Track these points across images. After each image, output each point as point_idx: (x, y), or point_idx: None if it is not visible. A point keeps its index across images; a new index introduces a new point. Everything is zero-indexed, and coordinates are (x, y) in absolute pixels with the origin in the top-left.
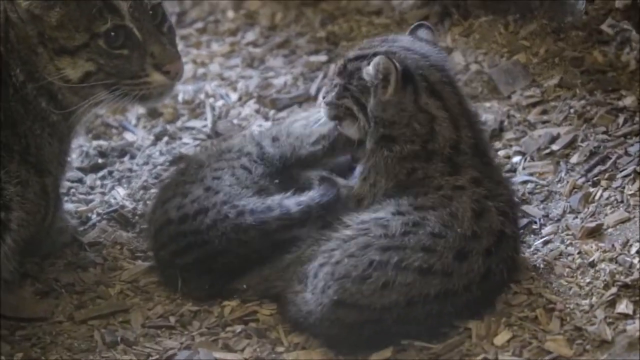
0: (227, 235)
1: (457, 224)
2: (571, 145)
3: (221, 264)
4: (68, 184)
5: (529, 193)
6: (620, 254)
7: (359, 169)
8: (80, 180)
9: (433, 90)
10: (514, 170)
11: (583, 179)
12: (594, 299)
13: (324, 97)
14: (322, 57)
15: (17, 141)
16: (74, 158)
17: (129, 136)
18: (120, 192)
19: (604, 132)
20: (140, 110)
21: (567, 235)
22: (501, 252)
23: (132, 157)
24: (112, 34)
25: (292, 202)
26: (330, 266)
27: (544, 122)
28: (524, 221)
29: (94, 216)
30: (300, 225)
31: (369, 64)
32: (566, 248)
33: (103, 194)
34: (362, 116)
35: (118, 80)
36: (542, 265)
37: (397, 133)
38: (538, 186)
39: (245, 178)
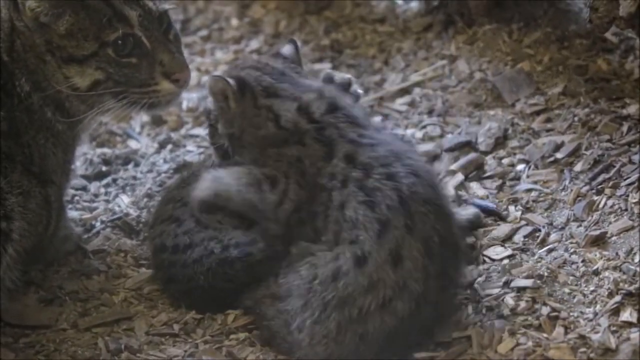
0: (212, 270)
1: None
2: (575, 153)
3: (210, 296)
4: (72, 191)
5: (533, 201)
6: (624, 262)
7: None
8: (84, 188)
9: (268, 93)
10: (518, 178)
11: (587, 187)
12: (597, 307)
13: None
14: (327, 65)
15: (20, 151)
16: (78, 166)
17: (133, 144)
18: (124, 199)
19: (608, 140)
20: (145, 117)
21: (571, 243)
22: None
23: (136, 164)
24: (120, 42)
25: None
26: (309, 327)
27: (548, 130)
28: (529, 229)
29: (98, 224)
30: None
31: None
32: (570, 256)
33: (107, 201)
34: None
35: (126, 89)
36: (546, 274)
37: (248, 137)
38: (542, 194)
39: None
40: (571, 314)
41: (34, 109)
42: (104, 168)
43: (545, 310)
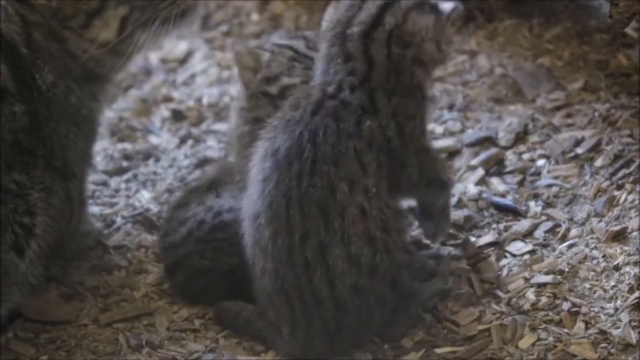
0: (202, 242)
1: None
2: (596, 148)
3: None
4: (92, 187)
5: (554, 196)
6: None
7: None
8: (104, 183)
9: None
10: (538, 173)
11: (607, 183)
12: (618, 302)
13: None
14: None
15: (41, 145)
16: (99, 161)
17: (153, 139)
18: (145, 195)
19: (628, 135)
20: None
21: (592, 238)
22: None
23: (157, 160)
24: None
25: None
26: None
27: (568, 126)
28: (549, 224)
29: (118, 219)
30: None
31: None
32: (591, 251)
33: (128, 197)
34: None
35: (154, 10)
36: (566, 269)
37: None
38: (562, 189)
39: None
40: (592, 309)
41: (57, 99)
42: (124, 163)
43: (566, 306)
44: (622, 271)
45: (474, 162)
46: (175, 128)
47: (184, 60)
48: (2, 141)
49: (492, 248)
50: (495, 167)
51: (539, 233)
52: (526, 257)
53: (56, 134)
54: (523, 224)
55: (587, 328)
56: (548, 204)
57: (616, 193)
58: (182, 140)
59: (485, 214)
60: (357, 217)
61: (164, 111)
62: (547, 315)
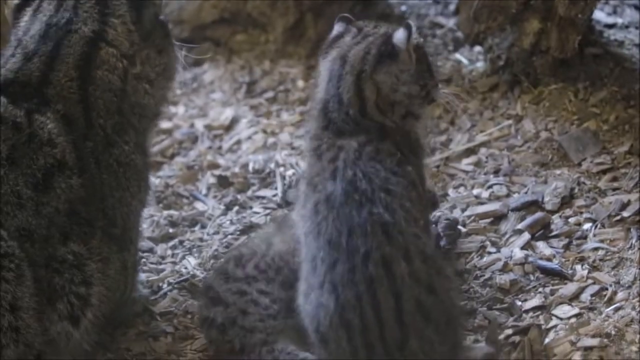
0: None
1: None
2: None
3: None
4: (139, 253)
5: (600, 260)
6: None
7: None
8: (151, 250)
9: None
10: (584, 237)
11: None
12: None
13: None
14: None
15: (102, 216)
16: (145, 228)
17: (199, 206)
18: (191, 261)
19: None
20: (211, 179)
21: (639, 301)
22: None
23: (203, 226)
24: None
25: None
26: None
27: (614, 189)
28: (596, 288)
29: (165, 285)
30: None
31: None
32: (637, 314)
33: (174, 263)
34: None
35: None
36: (613, 332)
37: None
38: (609, 253)
39: None
40: None
41: (134, 164)
42: (170, 230)
43: None
44: None
45: (520, 226)
46: (221, 195)
47: (229, 127)
48: (58, 212)
49: (539, 312)
50: (541, 231)
51: (585, 296)
52: (573, 320)
53: (120, 203)
54: (569, 288)
55: None
56: (594, 268)
57: None
58: (228, 207)
59: (532, 277)
60: (414, 236)
61: (209, 178)
62: None
